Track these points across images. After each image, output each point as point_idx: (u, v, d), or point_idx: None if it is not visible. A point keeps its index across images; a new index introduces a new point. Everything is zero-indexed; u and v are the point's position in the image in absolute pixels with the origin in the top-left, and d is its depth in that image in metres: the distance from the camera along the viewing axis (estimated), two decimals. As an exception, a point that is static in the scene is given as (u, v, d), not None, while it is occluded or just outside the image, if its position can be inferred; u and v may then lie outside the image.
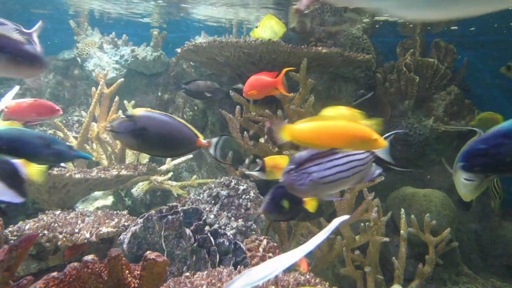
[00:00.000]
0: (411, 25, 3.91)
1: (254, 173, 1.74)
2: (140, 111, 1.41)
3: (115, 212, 1.89)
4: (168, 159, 2.83)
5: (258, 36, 2.36)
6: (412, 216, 2.08)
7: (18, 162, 1.27)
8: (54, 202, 2.05)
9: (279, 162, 1.65)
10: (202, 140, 1.48)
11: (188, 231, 1.58)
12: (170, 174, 2.79)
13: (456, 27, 3.98)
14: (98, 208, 2.43)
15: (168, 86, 3.79)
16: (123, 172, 2.10)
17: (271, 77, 1.80)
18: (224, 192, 2.01)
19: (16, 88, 1.90)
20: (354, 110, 1.27)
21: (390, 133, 0.99)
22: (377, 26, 4.10)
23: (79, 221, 1.65)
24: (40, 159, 1.37)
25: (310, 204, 1.41)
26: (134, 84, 3.78)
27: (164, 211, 1.70)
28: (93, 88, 2.61)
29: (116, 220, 1.72)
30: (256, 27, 2.35)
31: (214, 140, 1.56)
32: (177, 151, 1.48)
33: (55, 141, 1.44)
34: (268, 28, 2.31)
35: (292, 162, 0.98)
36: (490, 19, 3.56)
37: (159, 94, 3.76)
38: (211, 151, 1.54)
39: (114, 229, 1.65)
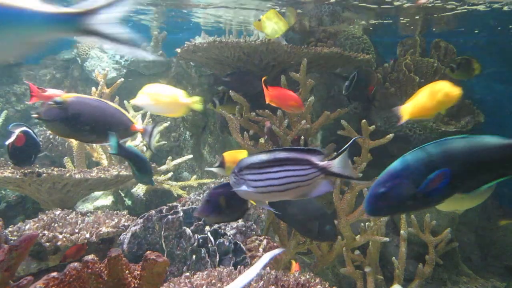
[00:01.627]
0: (411, 26, 3.91)
1: (214, 169, 1.73)
2: (70, 97, 1.35)
3: (115, 212, 1.90)
4: (168, 160, 2.83)
5: (259, 29, 2.33)
6: (412, 216, 2.08)
7: None
8: (54, 202, 2.05)
9: (238, 158, 1.61)
10: (136, 125, 1.48)
11: (188, 231, 1.59)
12: (170, 174, 2.79)
13: (462, 29, 3.99)
14: (98, 208, 2.43)
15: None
16: (123, 172, 2.10)
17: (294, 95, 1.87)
18: (224, 192, 2.00)
19: None
20: None
21: (344, 148, 0.96)
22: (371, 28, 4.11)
23: (79, 221, 1.65)
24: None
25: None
26: (134, 84, 3.77)
27: (164, 211, 1.70)
28: (93, 88, 2.61)
29: (116, 220, 1.72)
30: (259, 20, 2.33)
31: (149, 127, 1.55)
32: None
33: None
34: (271, 23, 2.29)
35: (237, 165, 1.01)
36: (490, 20, 3.57)
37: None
38: (146, 138, 1.53)
39: (114, 229, 1.65)
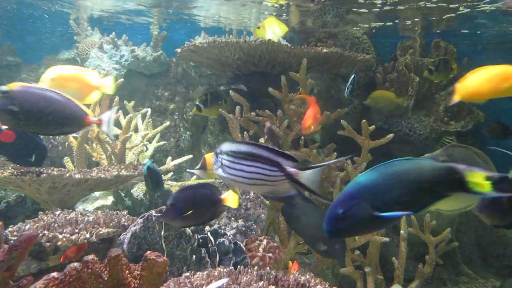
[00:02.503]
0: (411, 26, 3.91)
1: (195, 171, 1.72)
2: (16, 86, 1.29)
3: (115, 212, 1.89)
4: (168, 160, 2.83)
5: (260, 35, 2.37)
6: (412, 216, 2.08)
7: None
8: (54, 202, 2.05)
9: None
10: (91, 117, 1.38)
11: (188, 231, 1.58)
12: (170, 174, 2.79)
13: (467, 31, 3.99)
14: (98, 208, 2.43)
15: (168, 86, 3.79)
16: (123, 172, 2.10)
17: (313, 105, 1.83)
18: (224, 192, 2.00)
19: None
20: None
21: (320, 164, 1.02)
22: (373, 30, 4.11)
23: (79, 221, 1.65)
24: None
25: (230, 200, 1.33)
26: (134, 84, 3.77)
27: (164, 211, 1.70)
28: (93, 88, 2.61)
29: (116, 220, 1.72)
30: (258, 27, 2.37)
31: (106, 115, 1.45)
32: (63, 128, 1.38)
33: None
34: (270, 28, 2.33)
35: (220, 147, 1.06)
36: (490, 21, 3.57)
37: (159, 94, 3.76)
38: (104, 128, 1.44)
39: (114, 229, 1.65)
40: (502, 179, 0.94)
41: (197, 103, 2.36)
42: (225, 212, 1.93)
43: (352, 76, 2.38)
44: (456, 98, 1.52)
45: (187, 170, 2.18)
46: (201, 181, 2.61)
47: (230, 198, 1.33)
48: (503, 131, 2.46)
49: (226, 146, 1.05)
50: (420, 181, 0.91)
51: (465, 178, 0.89)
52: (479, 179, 0.89)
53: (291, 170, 0.99)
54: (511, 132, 2.44)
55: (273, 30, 2.32)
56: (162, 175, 2.74)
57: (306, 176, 0.98)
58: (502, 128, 2.47)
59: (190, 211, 1.24)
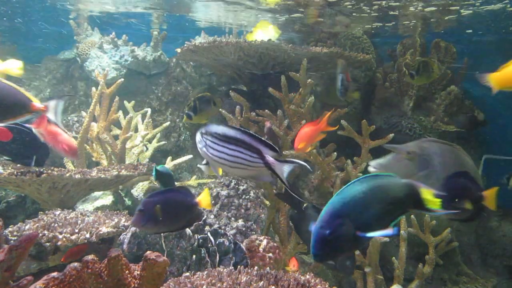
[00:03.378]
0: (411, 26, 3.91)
1: (202, 166, 1.76)
2: None
3: (115, 212, 1.89)
4: (168, 160, 2.83)
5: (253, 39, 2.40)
6: (412, 216, 2.08)
7: None
8: (54, 202, 2.05)
9: None
10: (36, 104, 1.32)
11: (188, 231, 1.58)
12: (170, 174, 2.79)
13: (470, 30, 3.98)
14: (98, 208, 2.42)
15: (168, 86, 3.79)
16: (123, 172, 2.10)
17: (314, 125, 1.77)
18: (224, 192, 2.01)
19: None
20: None
21: (297, 161, 1.05)
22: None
23: (79, 221, 1.65)
24: None
25: (204, 202, 1.28)
26: (134, 84, 3.77)
27: (164, 211, 1.69)
28: (93, 88, 2.61)
29: (116, 220, 1.72)
30: (251, 32, 2.39)
31: (52, 102, 1.38)
32: (5, 115, 1.30)
33: None
34: (263, 32, 2.35)
35: (206, 127, 1.11)
36: (489, 20, 3.57)
37: (159, 94, 3.76)
38: (51, 116, 1.39)
39: (114, 229, 1.65)
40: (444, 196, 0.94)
41: (186, 111, 2.31)
42: (225, 212, 1.93)
43: (340, 77, 2.35)
44: (496, 87, 1.42)
45: (198, 165, 2.17)
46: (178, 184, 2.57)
47: (204, 200, 1.30)
48: (471, 123, 2.47)
49: (212, 128, 1.09)
50: (391, 198, 0.92)
51: (421, 195, 0.91)
52: (430, 196, 0.91)
53: (270, 159, 1.05)
54: (479, 124, 2.44)
55: (266, 34, 2.35)
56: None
57: (281, 167, 1.04)
58: (470, 120, 2.47)
59: (160, 217, 1.18)
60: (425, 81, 2.54)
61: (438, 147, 1.18)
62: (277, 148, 1.05)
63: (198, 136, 1.13)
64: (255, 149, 1.05)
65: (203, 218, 1.71)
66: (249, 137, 1.06)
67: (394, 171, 1.04)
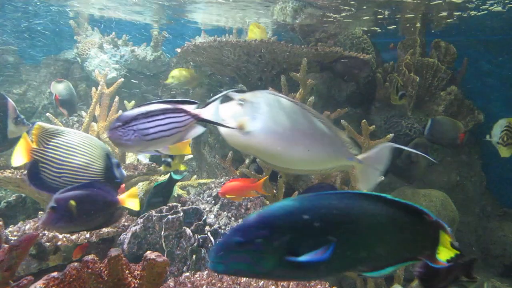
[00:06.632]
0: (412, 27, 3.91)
1: (140, 157, 1.79)
2: None
3: (115, 212, 1.89)
4: (168, 159, 2.82)
5: None
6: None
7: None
8: (54, 202, 2.04)
9: None
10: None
11: (188, 231, 1.59)
12: (170, 174, 2.78)
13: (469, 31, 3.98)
14: (98, 208, 2.43)
15: (168, 86, 3.79)
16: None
17: (249, 182, 1.70)
18: (224, 192, 2.00)
19: None
20: None
21: (213, 98, 1.08)
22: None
23: (79, 221, 1.65)
24: None
25: (129, 202, 1.24)
26: (134, 84, 3.77)
27: (164, 211, 1.70)
28: (93, 88, 2.61)
29: (116, 220, 1.72)
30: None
31: None
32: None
33: None
34: (252, 35, 2.42)
35: (119, 120, 1.08)
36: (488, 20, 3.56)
37: (159, 94, 3.76)
38: None
39: (114, 229, 1.65)
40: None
41: (163, 160, 2.09)
42: (225, 212, 1.93)
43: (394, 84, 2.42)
44: None
45: (137, 157, 2.12)
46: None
47: (130, 200, 1.24)
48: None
49: (130, 114, 1.07)
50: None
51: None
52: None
53: (195, 111, 1.10)
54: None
55: (255, 36, 2.40)
56: (162, 176, 2.74)
57: (207, 112, 1.09)
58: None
59: (74, 214, 1.10)
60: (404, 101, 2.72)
61: (273, 97, 1.14)
62: (192, 100, 1.09)
63: (116, 133, 1.06)
64: (180, 109, 1.09)
65: (203, 218, 1.71)
66: (169, 103, 1.09)
67: (226, 116, 1.08)
